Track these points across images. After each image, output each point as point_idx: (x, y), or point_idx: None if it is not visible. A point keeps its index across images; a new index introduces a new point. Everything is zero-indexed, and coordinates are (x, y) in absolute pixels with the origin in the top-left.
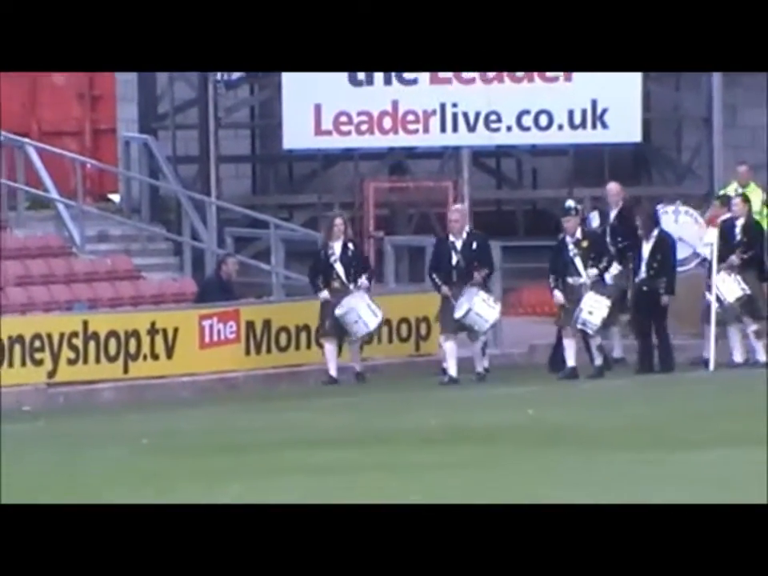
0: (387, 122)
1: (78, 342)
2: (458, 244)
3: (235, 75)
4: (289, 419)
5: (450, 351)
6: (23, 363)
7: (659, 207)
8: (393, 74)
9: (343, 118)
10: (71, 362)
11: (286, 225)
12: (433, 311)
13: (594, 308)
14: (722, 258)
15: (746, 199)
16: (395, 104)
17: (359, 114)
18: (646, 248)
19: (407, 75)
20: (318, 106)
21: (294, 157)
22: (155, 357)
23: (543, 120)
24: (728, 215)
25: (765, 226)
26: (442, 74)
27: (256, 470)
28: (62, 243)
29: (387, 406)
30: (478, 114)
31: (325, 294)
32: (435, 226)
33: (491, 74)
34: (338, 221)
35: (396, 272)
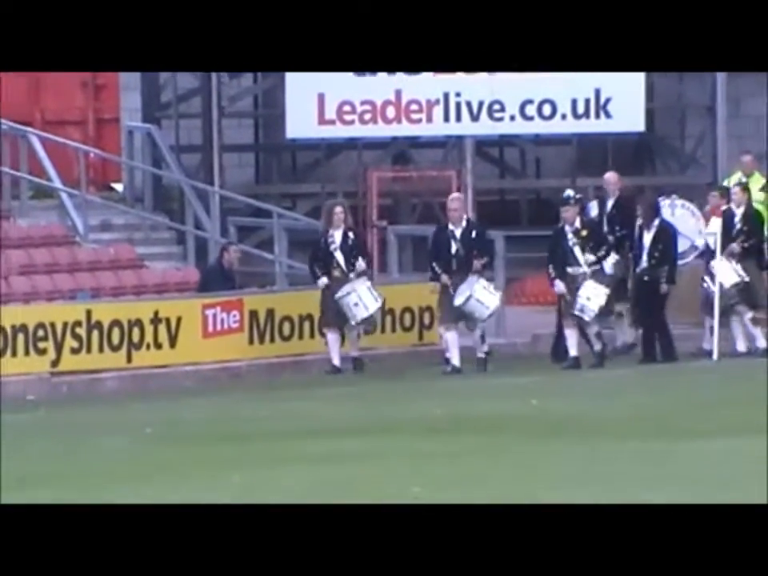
0: (390, 112)
1: (82, 331)
2: (458, 233)
3: None
4: (292, 408)
5: (452, 341)
6: (26, 352)
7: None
8: None
9: (346, 108)
10: (74, 352)
11: (290, 214)
12: (436, 301)
13: (592, 296)
14: (722, 247)
15: (745, 188)
16: (398, 93)
17: (362, 103)
18: (647, 237)
19: None
20: (322, 96)
21: (298, 146)
22: (158, 346)
23: (546, 109)
24: (727, 205)
25: (765, 215)
26: None
27: (259, 460)
28: (66, 232)
29: (391, 395)
30: (481, 104)
31: (324, 280)
32: (438, 215)
33: None
34: (338, 209)
35: (399, 261)
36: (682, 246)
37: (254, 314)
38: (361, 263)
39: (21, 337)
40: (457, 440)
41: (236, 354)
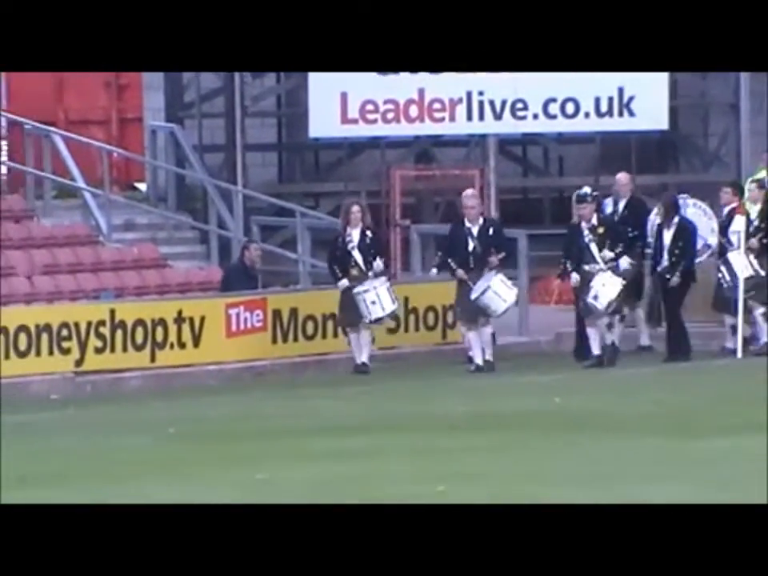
0: (413, 111)
1: (105, 330)
2: (474, 230)
3: None
4: (315, 407)
5: (475, 340)
6: (50, 352)
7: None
8: None
9: (369, 107)
10: (98, 351)
11: (313, 213)
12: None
13: (608, 284)
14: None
15: (761, 185)
16: (421, 92)
17: (385, 102)
18: (668, 236)
19: None
20: (345, 95)
21: (321, 145)
22: (182, 345)
23: (570, 108)
24: (739, 201)
25: None
26: None
27: (283, 457)
28: (89, 232)
29: (414, 393)
30: (504, 102)
31: (344, 282)
32: (461, 214)
33: None
34: (355, 208)
35: (422, 260)
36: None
37: (277, 313)
38: (379, 264)
39: (45, 336)
40: (480, 438)
41: (259, 353)
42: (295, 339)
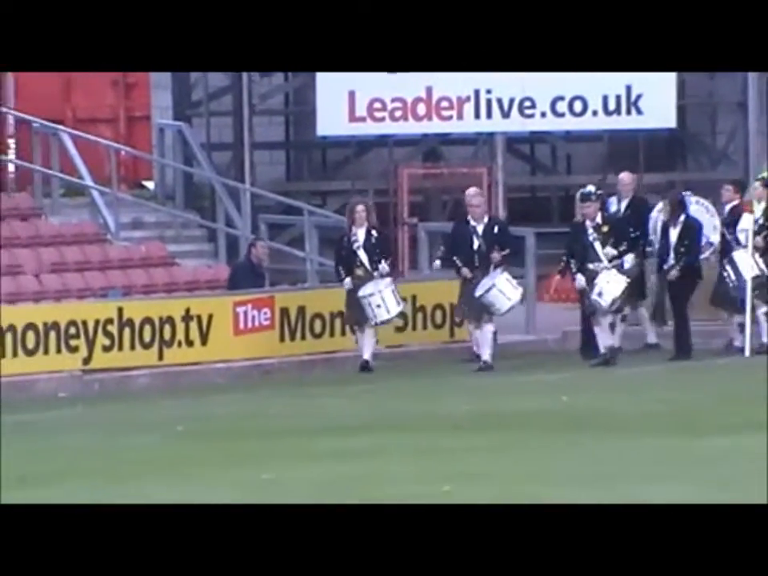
0: (421, 109)
1: (113, 328)
2: (480, 229)
3: None
4: (323, 405)
5: (482, 338)
6: (58, 350)
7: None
8: None
9: (377, 105)
10: (106, 349)
11: (320, 211)
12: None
13: (612, 281)
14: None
15: (766, 184)
16: (429, 90)
17: (393, 100)
18: (674, 233)
19: None
20: (352, 93)
21: (328, 143)
22: (190, 343)
23: (577, 106)
24: (740, 199)
25: None
26: None
27: (290, 456)
28: (97, 230)
29: (421, 392)
30: (512, 100)
31: (348, 281)
32: (465, 212)
33: None
34: (360, 207)
35: (430, 258)
36: None
37: (285, 312)
38: (384, 266)
39: (53, 334)
40: (486, 437)
41: (267, 352)
42: (303, 337)
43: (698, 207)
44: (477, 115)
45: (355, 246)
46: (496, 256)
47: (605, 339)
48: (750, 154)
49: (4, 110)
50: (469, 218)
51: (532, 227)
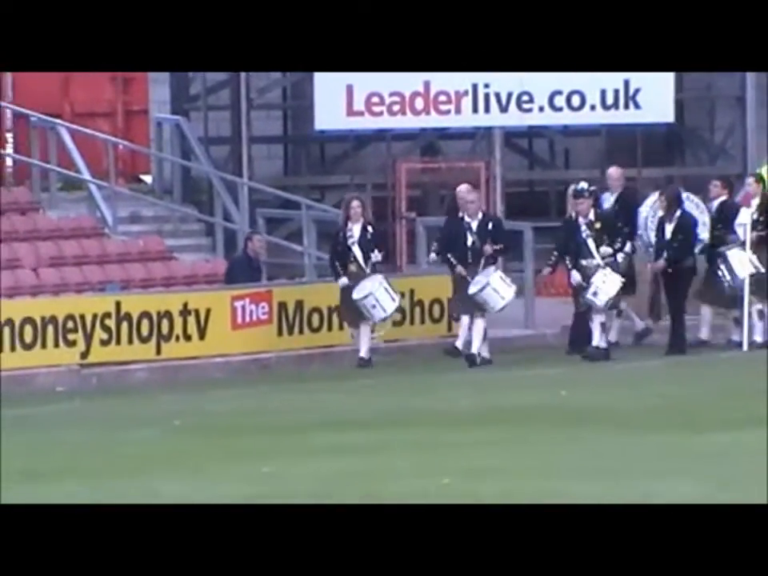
0: (419, 103)
1: (111, 322)
2: (474, 225)
3: None
4: (321, 400)
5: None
6: (56, 344)
7: (658, 193)
8: None
9: (375, 99)
10: (104, 343)
11: (318, 206)
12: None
13: (608, 281)
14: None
15: (759, 179)
16: (427, 85)
17: (391, 94)
18: (669, 229)
19: None
20: (350, 87)
21: (326, 137)
22: (188, 338)
23: (576, 100)
24: (727, 195)
25: None
26: None
27: (289, 451)
28: (95, 224)
29: (420, 387)
30: (510, 95)
31: (344, 280)
32: (457, 207)
33: None
34: (355, 203)
35: (428, 253)
36: None
37: (283, 306)
38: (376, 255)
39: (50, 329)
40: (485, 431)
41: (265, 346)
42: (301, 332)
43: (689, 204)
44: (475, 109)
45: (350, 241)
46: (488, 249)
47: (596, 337)
48: (749, 148)
49: (2, 104)
50: (461, 213)
51: (530, 222)
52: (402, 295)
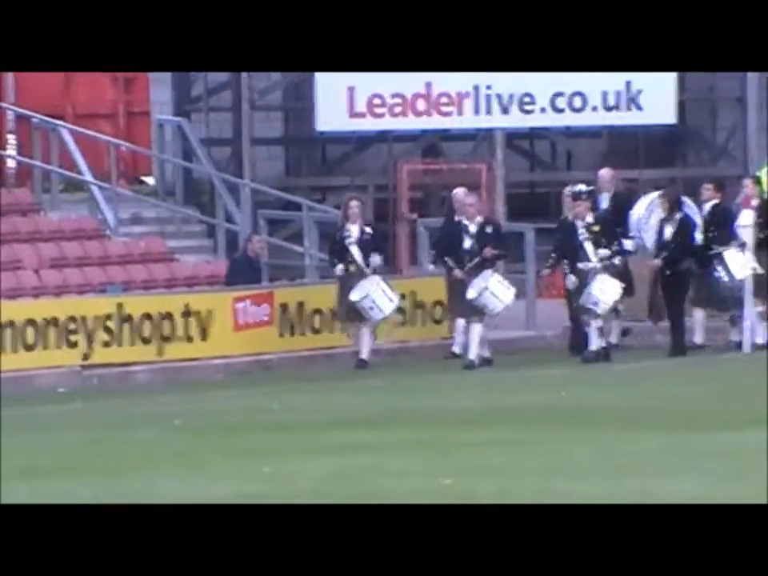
0: (421, 104)
1: (113, 324)
2: (472, 228)
3: None
4: (322, 400)
5: (475, 334)
6: (58, 346)
7: (657, 195)
8: None
9: (377, 101)
10: (105, 345)
11: (320, 207)
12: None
13: (607, 289)
14: (730, 239)
15: (757, 181)
16: (429, 86)
17: (393, 96)
18: (668, 231)
19: None
20: (352, 89)
21: (328, 139)
22: (189, 339)
23: (577, 102)
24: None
25: None
26: None
27: (290, 451)
28: (96, 225)
29: (421, 387)
30: (511, 96)
31: (340, 267)
32: (453, 210)
33: None
34: (354, 203)
35: (429, 255)
36: None
37: (284, 307)
38: (375, 259)
39: (52, 330)
40: (488, 431)
41: (266, 347)
42: (302, 333)
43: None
44: (476, 111)
45: (348, 241)
46: (488, 253)
47: (594, 342)
48: (750, 149)
49: (4, 105)
50: (457, 217)
51: (531, 223)
52: (404, 297)
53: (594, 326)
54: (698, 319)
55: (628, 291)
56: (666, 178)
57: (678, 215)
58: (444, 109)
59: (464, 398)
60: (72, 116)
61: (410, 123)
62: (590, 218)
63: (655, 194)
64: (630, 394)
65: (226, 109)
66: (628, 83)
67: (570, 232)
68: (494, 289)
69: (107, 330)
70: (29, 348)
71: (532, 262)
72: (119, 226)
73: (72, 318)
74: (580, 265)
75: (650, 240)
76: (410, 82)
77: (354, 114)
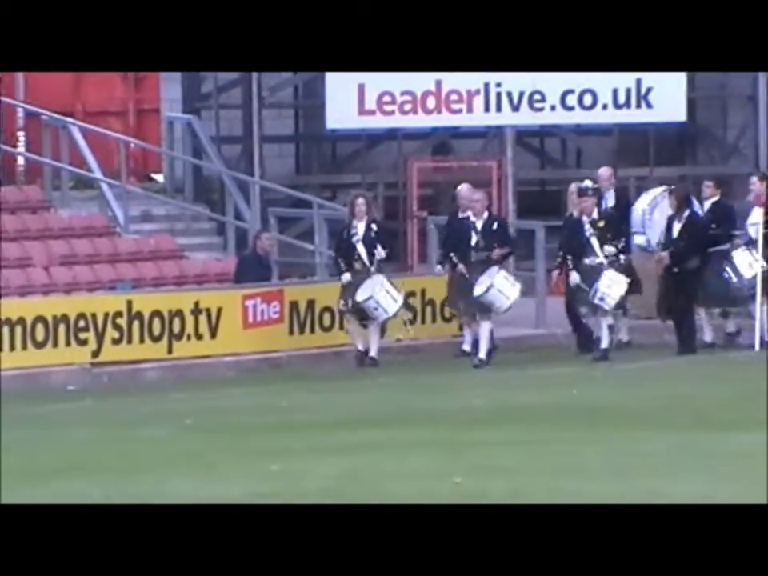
0: (431, 102)
1: (122, 321)
2: (479, 224)
3: None
4: (332, 399)
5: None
6: (68, 343)
7: (661, 191)
8: None
9: (387, 98)
10: (115, 342)
11: (330, 205)
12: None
13: (613, 284)
14: (731, 237)
15: (763, 179)
16: (439, 84)
17: (403, 93)
18: (677, 228)
19: None
20: (362, 86)
21: (338, 136)
22: (199, 336)
23: (587, 99)
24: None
25: None
26: None
27: (299, 449)
28: (106, 223)
29: (432, 385)
30: (521, 94)
31: (347, 276)
32: (457, 206)
33: None
34: (360, 200)
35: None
36: None
37: (294, 305)
38: (380, 252)
39: (62, 327)
40: (498, 430)
41: (276, 345)
42: (312, 331)
43: None
44: (486, 108)
45: (354, 239)
46: (497, 254)
47: (605, 340)
48: (761, 147)
49: (14, 102)
50: (466, 213)
51: (541, 221)
52: (414, 294)
53: (605, 323)
54: (701, 318)
55: (635, 288)
56: (677, 176)
57: (687, 212)
58: (454, 106)
59: (474, 397)
60: (82, 113)
61: (420, 121)
62: (595, 215)
63: (659, 190)
64: (640, 392)
65: (237, 106)
66: (638, 81)
67: (576, 228)
68: (500, 286)
69: (117, 327)
70: (39, 345)
71: (542, 260)
72: (129, 224)
73: (82, 316)
74: (587, 261)
75: (654, 236)
76: (420, 80)
77: (364, 112)
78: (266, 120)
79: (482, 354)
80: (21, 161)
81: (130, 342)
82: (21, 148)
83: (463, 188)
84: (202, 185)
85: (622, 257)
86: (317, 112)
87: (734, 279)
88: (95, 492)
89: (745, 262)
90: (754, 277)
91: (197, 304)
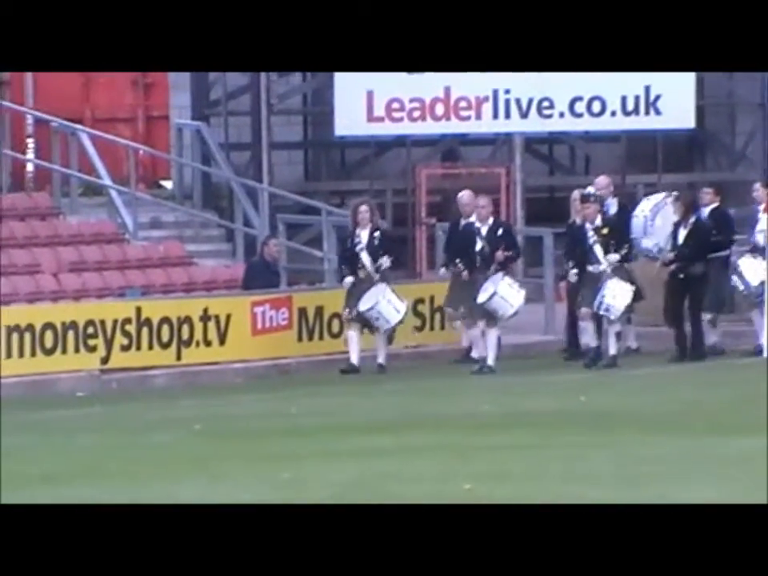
0: (440, 109)
1: (131, 328)
2: (483, 230)
3: None
4: (341, 404)
5: (478, 338)
6: (77, 350)
7: (663, 197)
8: None
9: (395, 105)
10: (124, 349)
11: (338, 211)
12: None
13: (618, 294)
14: (730, 243)
15: (766, 185)
16: (447, 90)
17: (411, 100)
18: (682, 234)
19: None
20: (371, 93)
21: (347, 143)
22: (208, 343)
23: (596, 106)
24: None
25: None
26: None
27: (309, 455)
28: (115, 230)
29: (440, 391)
30: (530, 101)
31: (349, 279)
32: (458, 212)
33: None
34: (363, 208)
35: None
36: None
37: (302, 311)
38: (385, 261)
39: (71, 334)
40: (507, 436)
41: (285, 351)
42: (321, 337)
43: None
44: (495, 115)
45: (358, 247)
46: (500, 255)
47: (613, 347)
48: None
49: (23, 109)
50: (464, 219)
51: (550, 228)
52: (422, 301)
53: (612, 331)
54: (706, 323)
55: (637, 296)
56: (685, 183)
57: (693, 219)
58: (463, 113)
59: (483, 403)
60: (91, 120)
61: (429, 128)
62: (599, 221)
63: (660, 196)
64: (648, 398)
65: (245, 113)
66: (647, 88)
67: (579, 235)
68: (503, 293)
69: (126, 333)
70: (48, 352)
71: (550, 267)
72: (138, 230)
73: (91, 322)
74: (590, 268)
75: (656, 242)
76: (428, 87)
77: (372, 119)
78: (274, 127)
79: (491, 361)
80: (30, 167)
81: (138, 348)
82: (30, 155)
83: (464, 195)
84: (210, 191)
85: (625, 265)
86: (325, 119)
87: (741, 287)
88: (104, 499)
89: (751, 269)
90: (761, 284)
91: (206, 311)
